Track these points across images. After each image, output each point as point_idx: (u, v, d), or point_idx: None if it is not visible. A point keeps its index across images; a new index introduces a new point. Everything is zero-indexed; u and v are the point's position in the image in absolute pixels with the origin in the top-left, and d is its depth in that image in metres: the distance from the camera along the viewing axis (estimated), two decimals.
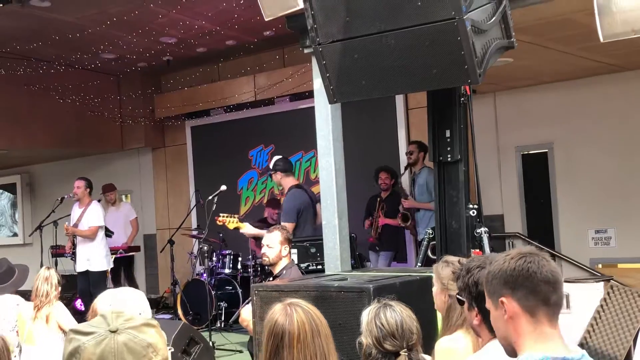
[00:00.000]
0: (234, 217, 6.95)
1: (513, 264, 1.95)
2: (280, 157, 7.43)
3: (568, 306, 5.64)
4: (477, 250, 4.69)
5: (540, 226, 9.06)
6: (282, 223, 6.90)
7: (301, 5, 4.69)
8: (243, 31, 9.36)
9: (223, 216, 6.93)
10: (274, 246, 5.53)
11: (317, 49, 4.44)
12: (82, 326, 1.60)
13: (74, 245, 9.20)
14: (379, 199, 8.70)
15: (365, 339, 2.85)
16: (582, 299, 5.80)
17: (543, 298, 1.93)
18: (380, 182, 8.65)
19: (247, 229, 6.90)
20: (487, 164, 8.90)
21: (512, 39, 4.54)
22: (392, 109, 9.41)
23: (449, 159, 4.88)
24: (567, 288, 5.68)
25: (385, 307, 2.83)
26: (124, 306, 2.52)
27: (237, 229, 6.96)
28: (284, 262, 5.53)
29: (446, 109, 4.87)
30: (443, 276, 3.29)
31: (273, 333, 2.58)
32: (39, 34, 9.05)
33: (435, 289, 3.37)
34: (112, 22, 8.58)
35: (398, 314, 2.81)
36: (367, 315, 2.85)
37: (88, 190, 9.12)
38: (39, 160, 13.37)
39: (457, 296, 2.75)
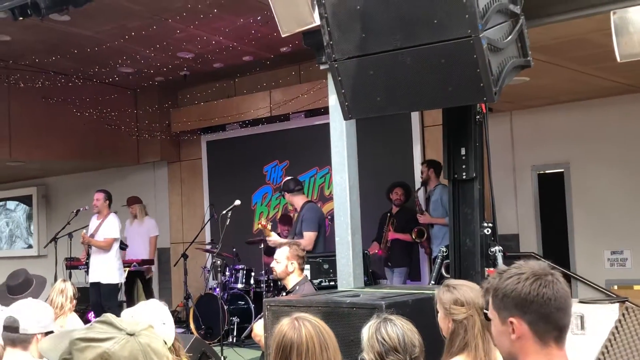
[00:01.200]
0: (269, 223, 7.22)
1: (528, 287, 1.93)
2: (289, 178, 7.72)
3: (582, 327, 5.59)
4: (491, 269, 4.66)
5: (556, 246, 8.99)
6: (305, 232, 7.00)
7: (317, 22, 4.71)
8: (260, 47, 9.42)
9: (268, 222, 7.16)
10: (281, 261, 5.60)
11: (333, 65, 4.45)
12: (90, 333, 1.56)
13: (87, 256, 9.28)
14: (388, 215, 8.68)
15: (367, 355, 2.83)
16: (597, 320, 5.74)
17: (554, 324, 1.92)
18: (396, 197, 8.64)
19: (274, 237, 7.07)
20: (503, 182, 8.86)
21: (529, 58, 4.54)
22: (408, 126, 9.40)
23: (464, 177, 4.86)
24: (581, 309, 5.63)
25: (386, 321, 2.81)
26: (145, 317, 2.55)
27: (265, 235, 7.20)
28: (295, 278, 5.54)
29: (462, 126, 4.86)
30: (445, 301, 3.27)
31: (281, 347, 2.57)
32: (58, 48, 9.15)
33: (439, 314, 3.35)
34: (130, 36, 8.66)
35: (399, 327, 2.79)
36: (367, 331, 2.83)
37: (107, 202, 9.24)
38: (55, 173, 13.46)
39: (485, 311, 2.74)
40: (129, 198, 10.73)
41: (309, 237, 7.15)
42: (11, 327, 3.13)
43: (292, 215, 8.95)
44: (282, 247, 5.73)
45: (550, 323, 1.92)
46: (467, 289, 3.26)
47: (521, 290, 1.94)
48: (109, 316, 1.62)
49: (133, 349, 1.54)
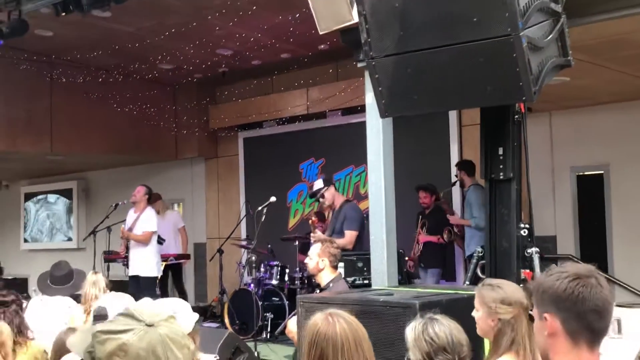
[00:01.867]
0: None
1: (565, 284, 1.92)
2: (322, 177, 7.78)
3: (620, 331, 5.50)
4: (527, 270, 4.61)
5: (594, 249, 8.85)
6: (347, 230, 7.00)
7: (356, 19, 4.70)
8: (298, 44, 9.43)
9: (314, 217, 7.25)
10: (312, 257, 5.64)
11: (370, 62, 4.44)
12: (111, 325, 1.59)
13: (127, 249, 9.40)
14: (420, 216, 8.64)
15: (414, 356, 2.80)
16: (634, 324, 5.64)
17: (587, 325, 1.90)
18: (420, 201, 8.61)
19: (318, 233, 7.21)
20: (541, 184, 8.74)
21: (569, 58, 4.48)
22: (445, 125, 9.33)
23: (501, 177, 4.81)
24: (619, 312, 5.54)
25: (432, 321, 2.79)
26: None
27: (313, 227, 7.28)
28: (329, 275, 5.54)
29: (500, 126, 4.82)
30: (488, 300, 3.23)
31: (315, 342, 2.55)
32: (99, 44, 9.27)
33: (479, 314, 3.30)
34: (170, 33, 8.74)
35: (446, 327, 2.77)
36: (413, 330, 2.81)
37: (147, 197, 9.35)
38: (94, 167, 13.65)
39: (530, 312, 2.72)
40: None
41: (350, 236, 7.15)
42: (100, 316, 3.25)
43: (326, 212, 8.94)
44: (316, 243, 5.75)
45: (582, 323, 1.89)
46: (513, 289, 3.23)
47: (558, 287, 1.93)
48: (130, 308, 1.64)
49: (151, 339, 1.55)
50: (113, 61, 10.09)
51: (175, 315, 1.70)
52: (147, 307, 1.67)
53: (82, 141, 10.72)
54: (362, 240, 7.24)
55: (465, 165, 8.11)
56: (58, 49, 9.61)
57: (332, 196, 7.59)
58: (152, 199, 10.67)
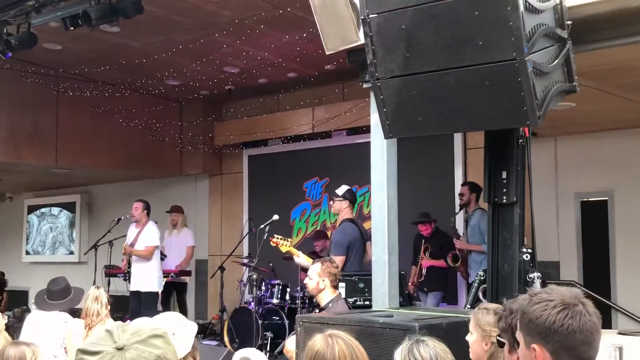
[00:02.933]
0: (288, 241, 7.03)
1: (554, 316, 1.90)
2: (349, 188, 7.53)
3: (621, 359, 5.46)
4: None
5: (598, 276, 8.81)
6: (332, 256, 6.91)
7: (362, 40, 4.72)
8: (304, 64, 9.47)
9: (277, 237, 7.00)
10: (312, 277, 5.59)
11: (376, 83, 4.45)
12: (90, 345, 1.59)
13: (129, 264, 9.40)
14: (423, 240, 8.61)
15: None
16: (637, 352, 5.60)
17: (578, 356, 1.89)
18: (424, 232, 8.59)
19: (301, 258, 6.94)
20: (545, 208, 8.73)
21: (575, 83, 4.48)
22: (450, 147, 9.34)
23: (505, 201, 4.81)
24: (621, 341, 5.50)
25: (418, 343, 2.77)
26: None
27: (289, 254, 7.02)
28: (328, 295, 5.51)
29: (504, 150, 4.82)
30: (484, 323, 3.23)
31: None
32: (107, 58, 9.33)
33: (473, 337, 3.29)
34: (178, 49, 8.79)
35: (432, 348, 2.75)
36: (399, 353, 2.79)
37: (146, 212, 9.36)
38: (98, 181, 13.67)
39: (498, 337, 2.70)
40: (174, 206, 10.88)
41: (337, 262, 7.06)
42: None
43: (327, 231, 8.91)
44: (315, 263, 5.71)
45: (573, 355, 1.88)
46: None
47: (546, 318, 1.91)
48: (115, 325, 1.64)
49: None
50: (120, 76, 10.14)
51: (173, 334, 1.69)
52: (136, 325, 1.67)
53: (87, 155, 10.75)
54: (354, 260, 7.14)
55: (477, 188, 8.04)
56: (65, 62, 9.67)
57: (339, 209, 7.47)
58: (175, 210, 10.75)
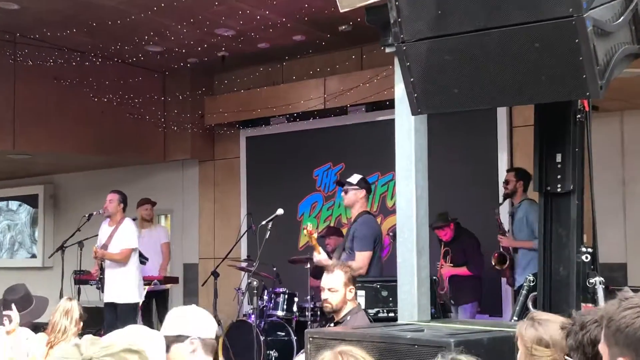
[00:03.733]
0: (317, 233, 7.15)
1: None
2: (362, 176, 7.59)
3: None
4: (589, 304, 4.58)
5: None
6: (358, 251, 6.97)
7: None
8: (314, 25, 9.46)
9: (311, 226, 7.06)
10: (339, 289, 5.51)
11: (401, 47, 4.44)
12: (54, 358, 1.70)
13: (101, 271, 9.35)
14: (442, 243, 8.61)
15: None
16: None
17: None
18: (442, 237, 8.58)
19: (322, 255, 7.04)
20: (608, 198, 8.71)
21: None
22: (493, 125, 9.33)
23: (559, 190, 4.79)
24: None
25: None
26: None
27: (314, 246, 7.10)
28: (348, 306, 5.52)
29: (558, 128, 4.80)
30: (527, 339, 3.24)
31: None
32: (74, 20, 9.34)
33: (520, 354, 3.30)
34: (160, 8, 8.79)
35: None
36: None
37: (122, 206, 9.29)
38: (65, 169, 13.73)
39: (566, 357, 2.71)
40: (141, 200, 10.77)
41: (362, 258, 7.08)
42: None
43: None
44: (334, 271, 5.67)
45: None
46: (554, 326, 3.21)
47: (638, 326, 1.92)
48: (83, 339, 1.71)
49: None
50: (90, 41, 10.16)
51: (144, 351, 1.74)
52: (107, 339, 1.72)
53: (52, 137, 10.79)
54: (375, 262, 7.20)
55: (525, 175, 8.04)
56: (24, 25, 9.69)
57: (355, 201, 7.51)
58: (142, 203, 10.68)
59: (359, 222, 7.34)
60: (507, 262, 8.29)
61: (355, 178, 7.56)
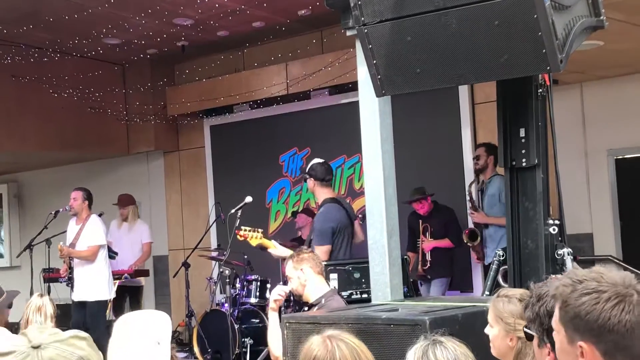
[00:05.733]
0: (258, 232, 7.02)
1: (608, 311, 1.93)
2: (321, 161, 7.41)
3: None
4: (558, 275, 4.65)
5: (639, 248, 8.93)
6: (315, 246, 6.95)
7: None
8: (273, 10, 9.44)
9: (245, 230, 7.00)
10: (291, 276, 5.58)
11: (362, 30, 4.46)
12: (2, 346, 1.68)
13: (70, 269, 9.28)
14: (420, 220, 8.67)
15: None
16: None
17: (632, 355, 1.93)
18: (422, 210, 8.62)
19: (279, 249, 6.92)
20: (572, 171, 8.81)
21: (602, 17, 4.52)
22: (455, 103, 9.38)
23: (524, 164, 4.85)
24: None
25: (435, 344, 2.81)
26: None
27: (261, 246, 7.02)
28: (316, 288, 5.53)
29: (520, 103, 4.85)
30: (506, 314, 3.28)
31: None
32: (30, 16, 9.24)
33: (494, 332, 3.35)
34: (117, 0, 8.72)
35: (451, 351, 2.78)
36: (413, 355, 2.83)
37: (87, 202, 9.24)
38: (28, 167, 13.60)
39: (525, 329, 2.75)
40: (121, 196, 10.75)
41: (321, 253, 7.11)
42: None
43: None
44: (287, 261, 5.76)
45: (629, 355, 1.92)
46: None
47: (600, 314, 1.94)
48: (31, 327, 1.76)
49: None
50: (47, 37, 10.06)
51: (156, 343, 1.78)
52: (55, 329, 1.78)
53: (11, 135, 10.68)
54: (343, 248, 7.16)
55: (495, 149, 8.02)
56: None
57: (312, 191, 7.43)
58: (124, 202, 10.64)
59: (317, 214, 7.31)
60: (478, 239, 8.36)
61: (309, 165, 7.44)
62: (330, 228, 7.01)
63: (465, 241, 8.42)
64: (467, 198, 8.62)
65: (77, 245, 9.09)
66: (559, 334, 2.05)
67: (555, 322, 2.07)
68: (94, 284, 9.01)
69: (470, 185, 8.69)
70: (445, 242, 8.59)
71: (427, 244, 8.61)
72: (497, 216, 8.07)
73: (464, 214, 8.84)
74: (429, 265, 8.58)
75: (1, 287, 6.01)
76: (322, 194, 7.26)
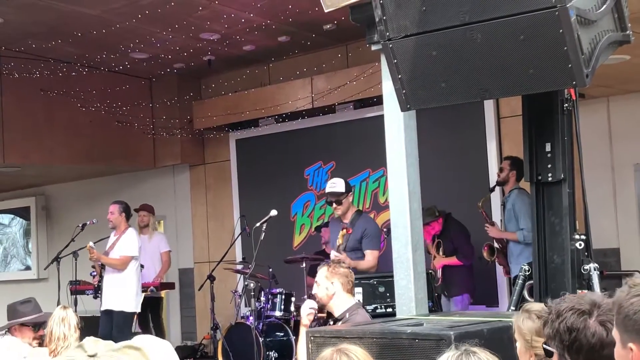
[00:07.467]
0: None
1: None
2: (343, 179, 7.61)
3: None
4: (585, 291, 4.62)
5: None
6: (367, 250, 6.99)
7: None
8: (299, 25, 9.47)
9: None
10: (320, 282, 5.63)
11: (387, 44, 4.47)
12: (62, 358, 1.78)
13: (100, 277, 9.36)
14: (434, 236, 8.61)
15: None
16: None
17: None
18: (429, 232, 8.55)
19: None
20: (599, 185, 8.76)
21: (628, 32, 4.49)
22: (480, 117, 9.36)
23: (550, 179, 4.82)
24: None
25: (468, 354, 2.78)
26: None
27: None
28: (342, 302, 5.53)
29: (546, 118, 4.83)
30: (525, 331, 3.26)
31: None
32: (59, 31, 9.33)
33: (518, 346, 3.33)
34: (144, 15, 8.79)
35: None
36: None
37: (124, 215, 9.37)
38: (56, 180, 13.70)
39: (544, 345, 2.72)
40: (143, 204, 10.79)
41: (374, 257, 7.12)
42: None
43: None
44: (321, 266, 5.76)
45: None
46: None
47: None
48: (86, 340, 1.79)
49: None
50: (75, 51, 10.15)
51: (144, 348, 1.82)
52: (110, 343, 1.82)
53: (41, 149, 10.77)
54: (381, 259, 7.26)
55: (518, 165, 7.95)
56: (9, 38, 9.67)
57: (348, 207, 7.57)
58: (144, 209, 10.67)
59: (364, 220, 7.37)
60: (495, 253, 8.31)
61: (340, 185, 7.54)
62: (380, 234, 7.14)
63: (485, 257, 8.35)
64: (480, 211, 8.53)
65: (111, 254, 9.23)
66: (617, 340, 2.08)
67: (614, 329, 2.10)
68: (121, 294, 9.08)
69: (480, 202, 8.57)
70: (452, 260, 8.50)
71: (438, 261, 8.54)
72: (512, 231, 8.02)
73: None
74: (440, 282, 8.51)
75: (39, 305, 6.09)
76: (352, 208, 7.40)
